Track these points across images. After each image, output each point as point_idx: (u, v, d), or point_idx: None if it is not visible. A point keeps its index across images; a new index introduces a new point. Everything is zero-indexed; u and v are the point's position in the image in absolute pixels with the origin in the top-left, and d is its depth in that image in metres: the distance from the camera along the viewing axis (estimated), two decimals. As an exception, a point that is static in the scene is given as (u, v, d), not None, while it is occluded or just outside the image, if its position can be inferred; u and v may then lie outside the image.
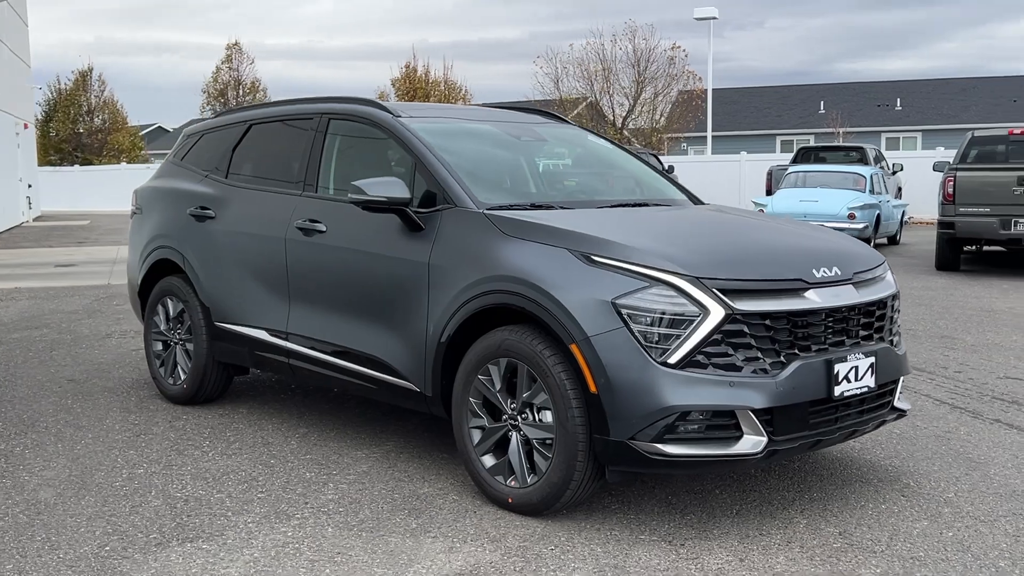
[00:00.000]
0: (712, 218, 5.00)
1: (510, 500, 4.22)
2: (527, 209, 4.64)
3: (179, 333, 6.14)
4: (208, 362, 5.94)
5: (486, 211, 4.50)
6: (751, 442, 3.88)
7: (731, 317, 3.85)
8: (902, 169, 24.48)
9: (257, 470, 4.85)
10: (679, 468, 3.93)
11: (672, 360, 3.83)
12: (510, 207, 4.63)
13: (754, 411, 3.86)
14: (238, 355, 5.79)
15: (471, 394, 4.37)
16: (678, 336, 3.84)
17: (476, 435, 4.38)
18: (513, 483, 4.23)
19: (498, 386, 4.27)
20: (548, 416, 4.11)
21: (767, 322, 3.93)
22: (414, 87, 38.20)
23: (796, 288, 4.06)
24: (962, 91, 48.46)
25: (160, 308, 6.28)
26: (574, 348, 3.94)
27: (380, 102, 5.37)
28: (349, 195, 4.72)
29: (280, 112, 5.94)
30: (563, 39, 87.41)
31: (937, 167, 15.88)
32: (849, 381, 4.11)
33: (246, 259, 5.61)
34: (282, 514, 4.25)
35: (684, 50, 43.05)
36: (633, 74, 36.32)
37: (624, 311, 3.87)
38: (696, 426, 3.85)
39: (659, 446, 3.83)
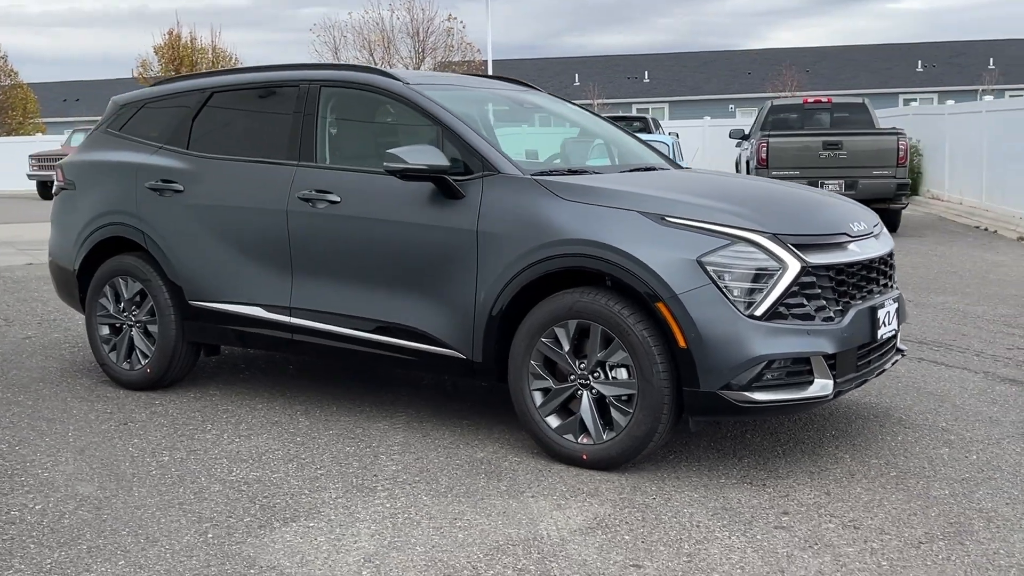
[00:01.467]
0: (736, 180, 5.30)
1: (584, 457, 4.36)
2: (565, 174, 4.76)
3: (136, 315, 5.80)
4: (178, 344, 5.66)
5: (535, 177, 4.58)
6: (821, 385, 4.21)
7: (805, 270, 4.16)
8: (678, 137, 25.95)
9: (292, 449, 4.73)
10: (762, 413, 4.22)
11: (758, 312, 4.10)
12: (550, 172, 4.73)
13: (825, 356, 4.19)
14: (218, 334, 5.56)
15: (532, 357, 4.46)
16: (761, 290, 4.10)
17: (539, 397, 4.48)
18: (585, 440, 4.37)
19: (566, 348, 4.38)
20: (624, 373, 4.28)
21: (831, 273, 4.27)
22: (179, 55, 36.46)
23: (842, 242, 4.42)
24: (703, 64, 51.71)
25: (108, 290, 5.89)
26: (661, 306, 4.12)
27: (385, 70, 5.30)
28: (385, 164, 4.66)
29: (250, 80, 5.71)
30: (291, 7, 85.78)
31: (733, 134, 17.09)
32: (885, 324, 4.54)
33: (231, 233, 5.38)
34: (363, 488, 4.20)
35: (461, 21, 43.33)
36: (412, 44, 36.33)
37: (710, 268, 4.10)
38: (778, 373, 4.14)
39: (748, 394, 4.09)
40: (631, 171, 5.26)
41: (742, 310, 4.09)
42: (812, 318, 4.19)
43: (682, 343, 4.11)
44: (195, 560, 3.51)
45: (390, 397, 5.61)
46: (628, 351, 4.22)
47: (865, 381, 4.54)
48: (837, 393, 4.27)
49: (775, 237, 4.16)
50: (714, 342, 4.07)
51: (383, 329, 4.89)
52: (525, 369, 4.49)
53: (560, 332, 4.39)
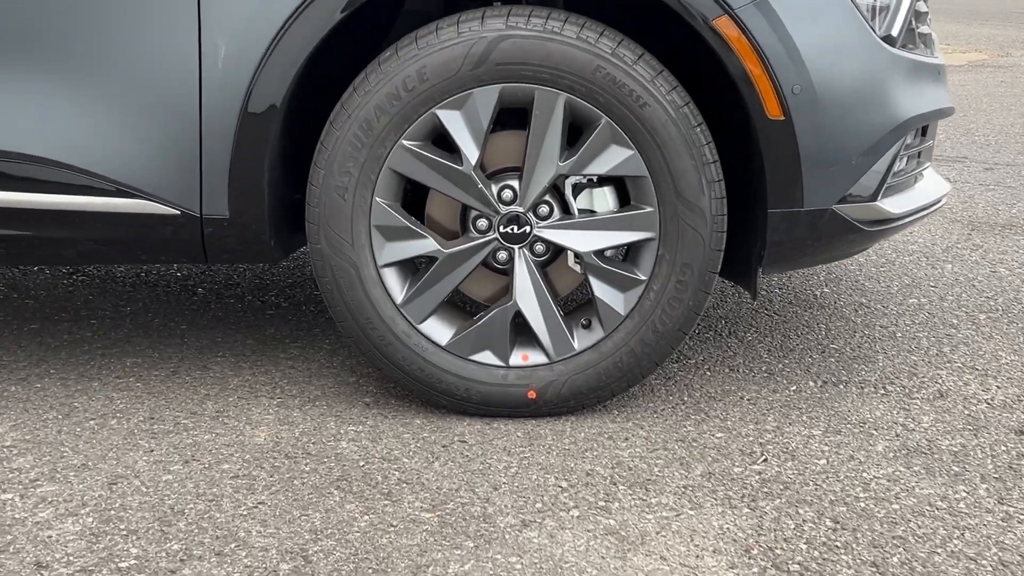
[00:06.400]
0: None
1: (532, 395, 1.94)
2: None
3: None
4: None
5: None
6: (935, 180, 2.26)
7: None
8: None
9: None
10: (882, 239, 2.16)
11: (895, 32, 1.96)
12: None
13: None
14: None
15: (379, 190, 1.88)
16: (889, -13, 1.97)
17: (396, 282, 1.93)
18: (529, 358, 1.95)
19: (473, 157, 1.87)
20: (610, 200, 1.92)
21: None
22: None
23: None
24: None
25: None
26: (722, 25, 1.80)
27: None
28: None
29: None
30: None
31: None
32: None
33: None
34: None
35: None
36: None
37: (811, -62, 1.85)
38: (906, 160, 2.08)
39: (881, 205, 1.98)
40: None
41: (875, 27, 1.92)
42: (921, 47, 2.15)
43: (774, 110, 1.84)
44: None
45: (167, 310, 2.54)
46: (637, 146, 1.84)
47: None
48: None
49: None
50: (839, 97, 1.87)
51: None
52: (362, 222, 1.89)
53: (453, 119, 1.85)
